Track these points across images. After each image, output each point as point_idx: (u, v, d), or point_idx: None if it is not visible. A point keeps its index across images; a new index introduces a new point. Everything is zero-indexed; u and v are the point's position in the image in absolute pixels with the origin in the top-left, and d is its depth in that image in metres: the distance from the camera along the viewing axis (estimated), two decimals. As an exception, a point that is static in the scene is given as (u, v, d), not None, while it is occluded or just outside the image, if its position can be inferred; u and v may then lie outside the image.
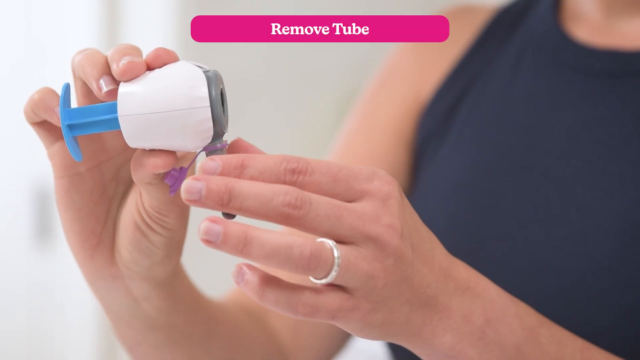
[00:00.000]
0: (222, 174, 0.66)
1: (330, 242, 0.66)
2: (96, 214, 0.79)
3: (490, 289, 0.76)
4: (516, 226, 0.99)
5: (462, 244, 1.00)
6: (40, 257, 2.17)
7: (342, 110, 2.36)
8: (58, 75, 2.13)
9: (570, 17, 1.09)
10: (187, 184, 0.65)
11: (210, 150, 0.70)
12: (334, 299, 0.67)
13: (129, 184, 0.80)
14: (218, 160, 0.66)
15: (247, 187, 0.65)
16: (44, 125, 0.75)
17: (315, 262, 0.65)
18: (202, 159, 0.68)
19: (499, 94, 1.07)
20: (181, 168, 0.73)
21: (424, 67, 1.14)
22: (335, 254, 0.66)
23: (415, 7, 1.91)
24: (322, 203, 0.66)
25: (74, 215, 0.79)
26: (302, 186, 0.67)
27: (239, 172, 0.66)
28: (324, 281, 0.67)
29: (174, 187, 0.73)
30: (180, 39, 2.08)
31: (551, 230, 0.97)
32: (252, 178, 0.66)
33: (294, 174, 0.67)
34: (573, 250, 0.95)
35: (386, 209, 0.68)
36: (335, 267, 0.66)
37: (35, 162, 2.15)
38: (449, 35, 1.12)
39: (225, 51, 2.15)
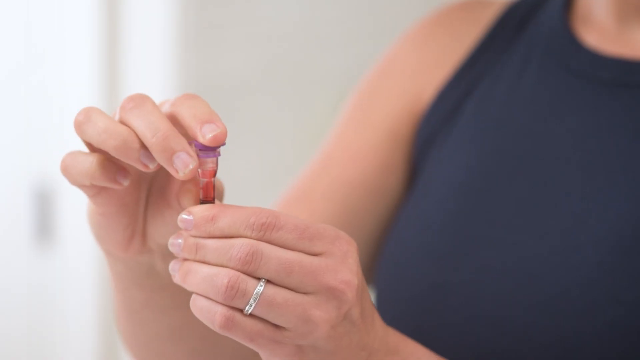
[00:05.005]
0: (195, 226, 0.73)
1: (262, 281, 0.72)
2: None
3: (417, 352, 0.80)
4: (507, 232, 0.98)
5: (457, 245, 1.00)
6: (40, 257, 2.17)
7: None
8: (57, 78, 2.12)
9: (580, 20, 1.06)
10: (170, 240, 0.75)
11: (203, 157, 0.75)
12: (255, 324, 0.72)
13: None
14: (193, 215, 0.74)
15: (210, 244, 0.73)
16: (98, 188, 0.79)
17: (232, 293, 0.71)
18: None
19: (503, 96, 1.05)
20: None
21: (428, 67, 1.12)
22: (257, 289, 0.71)
23: (416, 6, 1.90)
24: (273, 258, 0.72)
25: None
26: (268, 240, 0.72)
27: (211, 225, 0.73)
28: (246, 311, 0.71)
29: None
30: (180, 40, 2.07)
31: (541, 239, 0.96)
32: (221, 231, 0.73)
33: (261, 228, 0.72)
34: (561, 262, 0.94)
35: (344, 266, 0.73)
36: (251, 302, 0.71)
37: (35, 162, 2.15)
38: (455, 33, 1.11)
39: (225, 51, 2.15)
